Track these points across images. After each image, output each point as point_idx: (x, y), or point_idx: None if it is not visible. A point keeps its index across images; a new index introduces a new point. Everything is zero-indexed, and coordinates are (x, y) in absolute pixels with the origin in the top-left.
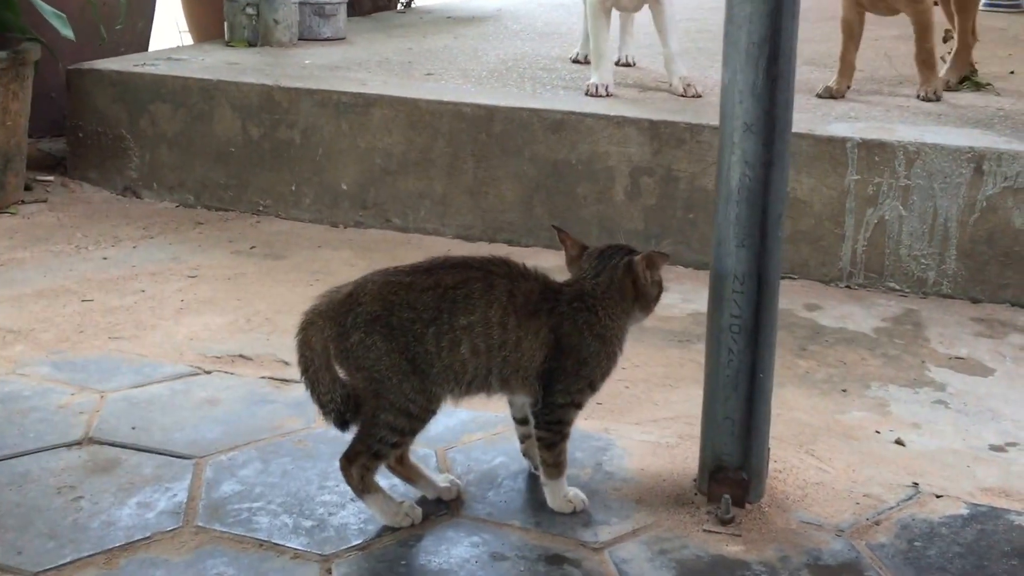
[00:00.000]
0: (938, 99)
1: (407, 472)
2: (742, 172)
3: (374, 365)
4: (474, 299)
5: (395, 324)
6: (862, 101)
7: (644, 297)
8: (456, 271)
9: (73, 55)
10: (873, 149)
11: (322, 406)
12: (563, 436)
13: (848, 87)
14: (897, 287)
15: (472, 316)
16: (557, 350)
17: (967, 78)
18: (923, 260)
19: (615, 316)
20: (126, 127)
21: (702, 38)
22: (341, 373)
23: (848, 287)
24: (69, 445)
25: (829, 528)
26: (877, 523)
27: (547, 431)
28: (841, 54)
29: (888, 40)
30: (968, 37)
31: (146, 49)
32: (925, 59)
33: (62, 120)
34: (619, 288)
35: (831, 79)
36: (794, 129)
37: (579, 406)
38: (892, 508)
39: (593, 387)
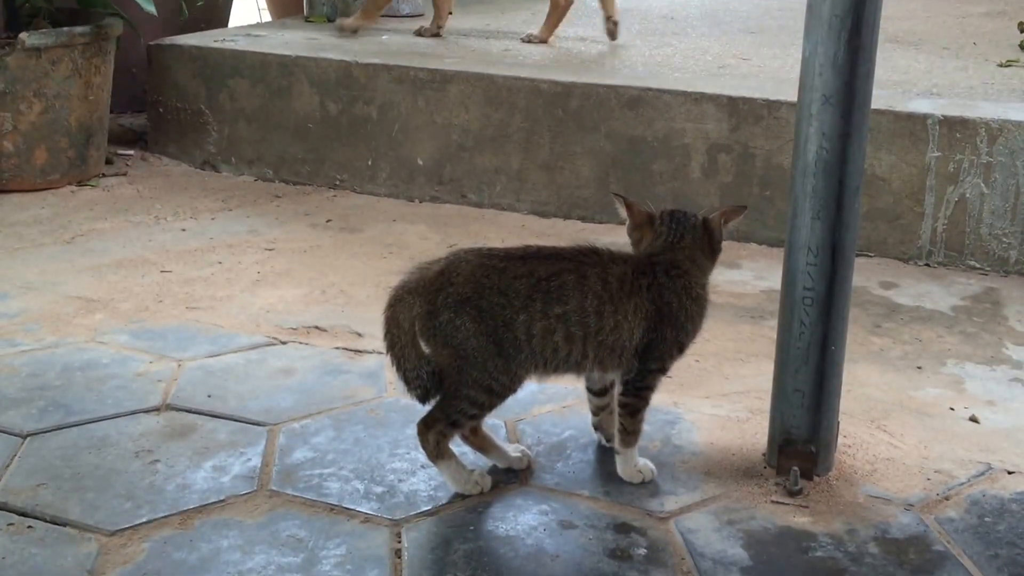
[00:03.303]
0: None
1: (480, 442)
2: (819, 144)
3: (461, 344)
4: (567, 289)
5: (485, 307)
6: (945, 78)
7: (716, 251)
8: (549, 262)
9: (154, 31)
10: (955, 126)
11: (407, 382)
12: (647, 402)
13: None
14: (978, 265)
15: (567, 305)
16: (657, 321)
17: None
18: (1005, 239)
19: (704, 273)
20: (205, 102)
21: (783, 15)
22: (425, 348)
23: (927, 265)
24: (147, 411)
25: (898, 503)
26: (947, 498)
27: (635, 397)
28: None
29: (976, 18)
30: None
31: (226, 25)
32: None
33: (143, 95)
34: (700, 247)
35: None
36: (873, 105)
37: (666, 371)
38: (963, 484)
39: (682, 350)
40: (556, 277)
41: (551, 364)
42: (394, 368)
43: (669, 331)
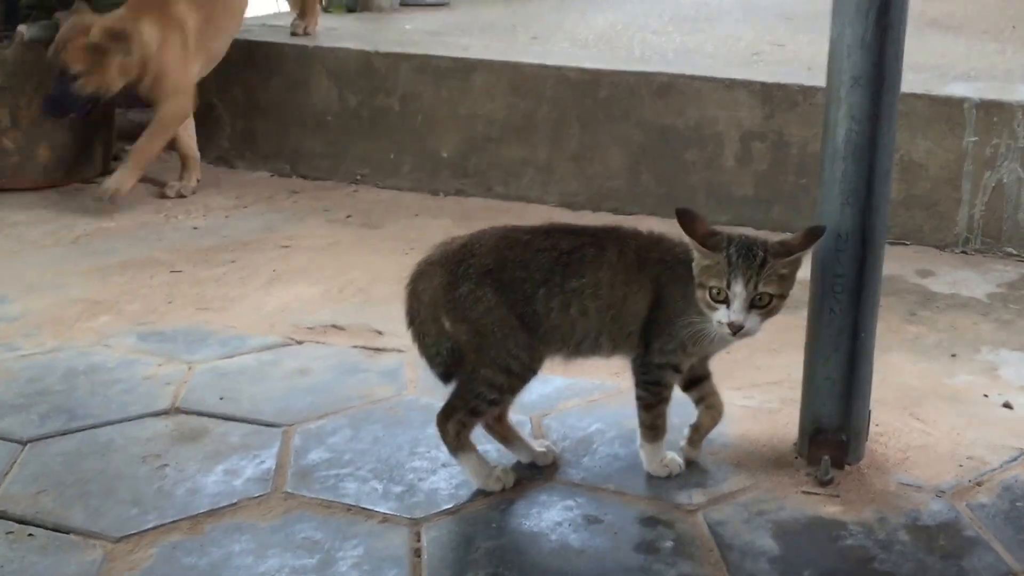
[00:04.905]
0: (112, 201)
1: (503, 431)
2: (848, 127)
3: (480, 318)
4: (586, 263)
5: (506, 280)
6: (983, 61)
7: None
8: (572, 236)
9: None
10: (992, 110)
11: (428, 359)
12: (661, 399)
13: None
14: (1015, 252)
15: (583, 279)
16: (657, 301)
17: None
18: None
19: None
20: (217, 96)
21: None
22: (446, 324)
23: (964, 252)
24: (155, 415)
25: (929, 489)
26: (979, 484)
27: (645, 391)
28: None
29: (1017, 0)
30: None
31: None
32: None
33: None
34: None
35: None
36: (910, 88)
37: (676, 369)
38: (995, 470)
39: (686, 350)
40: (577, 251)
41: (570, 341)
42: (415, 345)
43: (663, 317)
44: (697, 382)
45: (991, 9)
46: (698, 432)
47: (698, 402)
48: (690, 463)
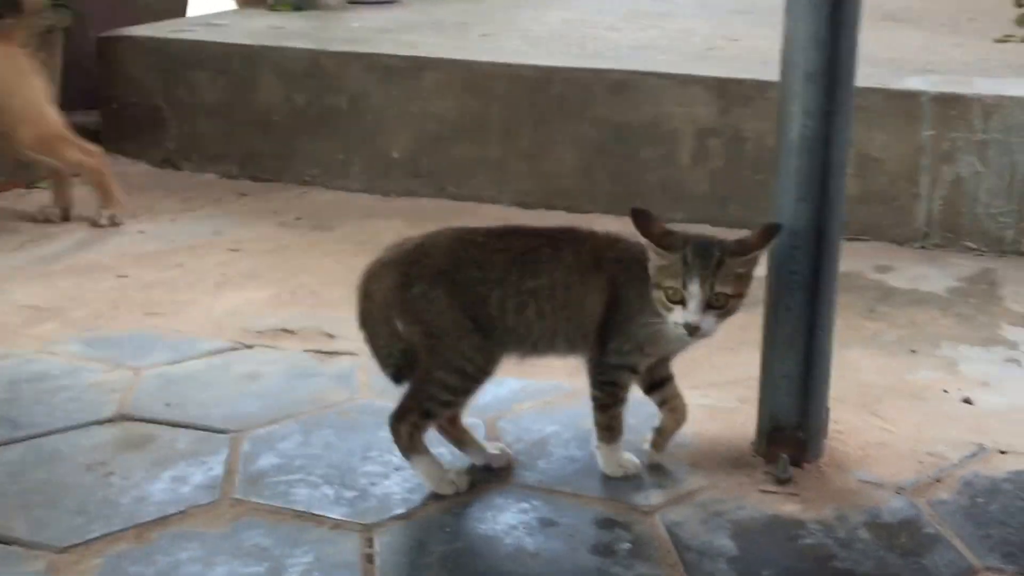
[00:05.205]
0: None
1: (457, 434)
2: (803, 123)
3: (434, 319)
4: (541, 264)
5: (460, 281)
6: (940, 55)
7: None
8: (527, 238)
9: (106, 22)
10: (949, 103)
11: (380, 359)
12: (616, 399)
13: None
14: (974, 246)
15: (539, 280)
16: (613, 302)
17: None
18: (1001, 218)
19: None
20: (163, 97)
21: None
22: (399, 325)
23: (923, 247)
24: (100, 423)
25: (889, 487)
26: (939, 481)
27: (601, 392)
28: None
29: None
30: None
31: (184, 14)
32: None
33: (95, 91)
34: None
35: None
36: (866, 83)
37: (633, 370)
38: (955, 466)
39: (643, 351)
40: (533, 252)
41: (527, 341)
42: (367, 346)
43: (619, 316)
44: (659, 385)
45: (949, 3)
46: (661, 435)
47: (661, 405)
48: (651, 464)
